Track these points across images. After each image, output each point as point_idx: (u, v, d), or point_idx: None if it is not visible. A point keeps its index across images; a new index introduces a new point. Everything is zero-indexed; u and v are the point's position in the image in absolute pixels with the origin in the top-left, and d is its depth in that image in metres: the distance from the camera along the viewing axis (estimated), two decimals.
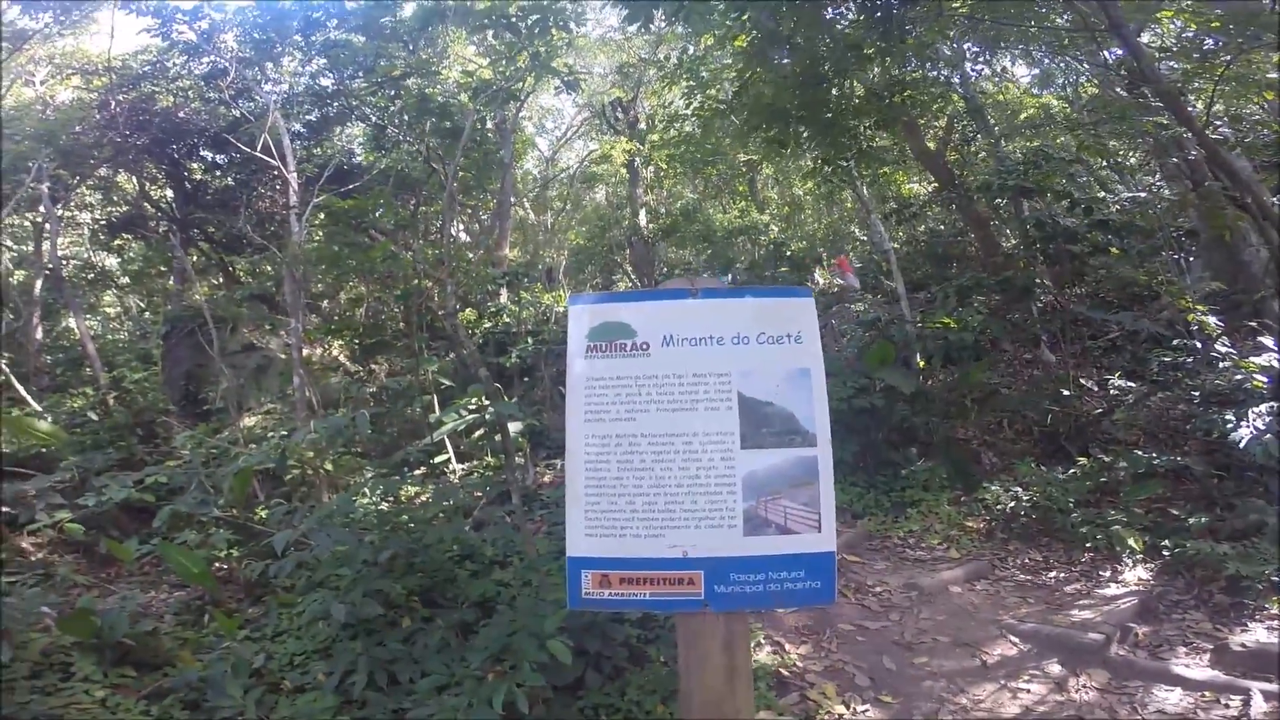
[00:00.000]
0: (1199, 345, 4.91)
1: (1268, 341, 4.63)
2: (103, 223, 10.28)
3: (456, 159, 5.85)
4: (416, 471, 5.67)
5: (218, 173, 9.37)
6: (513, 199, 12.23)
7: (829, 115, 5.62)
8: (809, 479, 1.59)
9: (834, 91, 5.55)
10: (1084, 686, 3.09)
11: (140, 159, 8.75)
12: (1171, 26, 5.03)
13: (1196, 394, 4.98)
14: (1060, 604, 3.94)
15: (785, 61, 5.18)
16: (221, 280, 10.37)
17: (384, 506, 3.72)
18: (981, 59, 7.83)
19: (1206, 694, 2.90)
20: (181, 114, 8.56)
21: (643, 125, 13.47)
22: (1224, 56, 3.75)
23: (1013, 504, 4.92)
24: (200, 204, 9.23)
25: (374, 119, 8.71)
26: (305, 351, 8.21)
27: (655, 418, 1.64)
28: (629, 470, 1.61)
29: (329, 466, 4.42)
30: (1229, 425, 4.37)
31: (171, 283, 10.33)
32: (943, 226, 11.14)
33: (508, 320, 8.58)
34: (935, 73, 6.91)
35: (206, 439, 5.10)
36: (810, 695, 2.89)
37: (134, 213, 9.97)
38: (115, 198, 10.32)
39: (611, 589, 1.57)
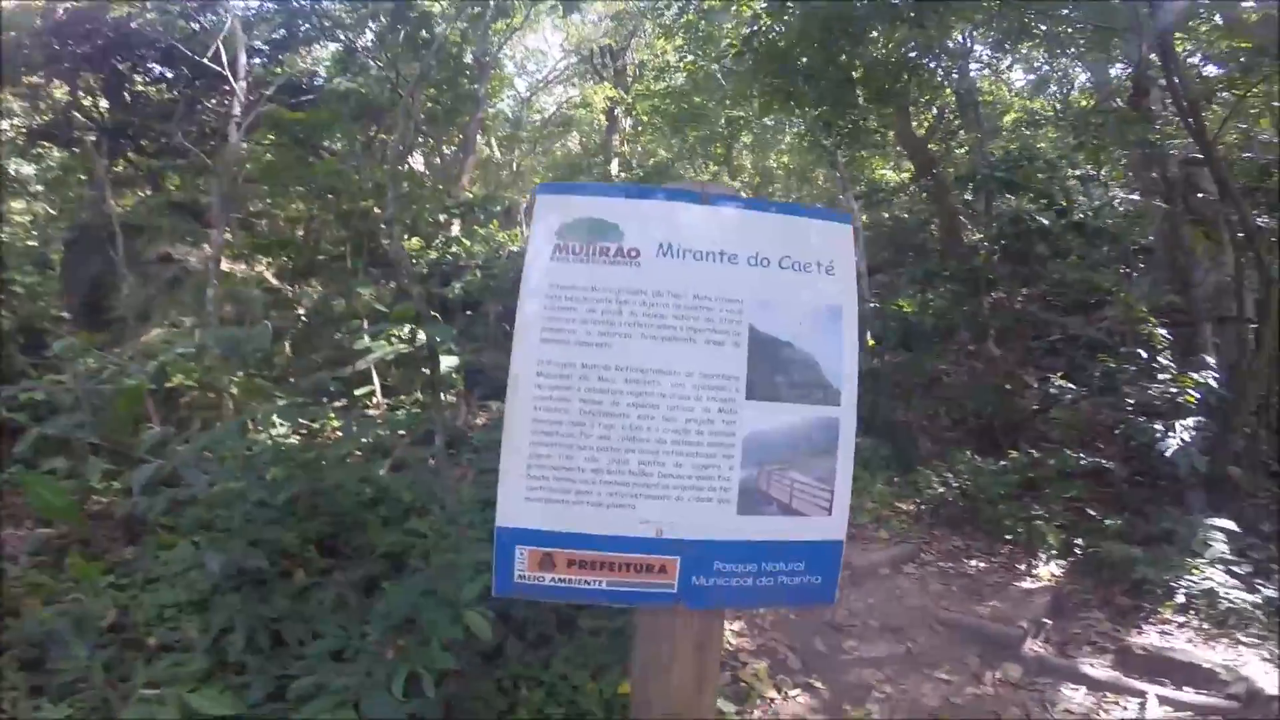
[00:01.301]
0: (1143, 355, 5.03)
1: (1209, 359, 4.77)
2: (23, 129, 9.04)
3: (425, 64, 5.24)
4: (336, 403, 5.19)
5: (163, 85, 8.51)
6: (480, 135, 11.49)
7: (839, 73, 5.34)
8: (827, 447, 1.23)
9: (843, 57, 5.27)
10: (999, 680, 3.14)
11: (78, 67, 7.82)
12: (1183, 48, 5.03)
13: (1130, 402, 5.13)
14: (980, 594, 4.03)
15: (813, 4, 4.84)
16: (150, 191, 9.37)
17: (294, 440, 3.30)
18: (992, 50, 7.72)
19: (1108, 695, 2.98)
20: (134, 24, 7.66)
21: (629, 75, 12.86)
22: (1254, 75, 3.70)
23: (943, 489, 4.97)
24: (138, 113, 8.34)
25: (344, 39, 7.93)
26: (228, 267, 7.50)
27: (638, 346, 1.20)
28: (594, 414, 1.19)
29: (234, 390, 3.92)
30: (1157, 435, 4.50)
31: (89, 191, 9.27)
32: (908, 215, 11.22)
33: (456, 252, 8.05)
34: (935, 65, 6.75)
35: (95, 350, 4.44)
36: (743, 676, 2.78)
37: (60, 120, 8.84)
38: (42, 105, 9.15)
39: (555, 572, 1.18)
